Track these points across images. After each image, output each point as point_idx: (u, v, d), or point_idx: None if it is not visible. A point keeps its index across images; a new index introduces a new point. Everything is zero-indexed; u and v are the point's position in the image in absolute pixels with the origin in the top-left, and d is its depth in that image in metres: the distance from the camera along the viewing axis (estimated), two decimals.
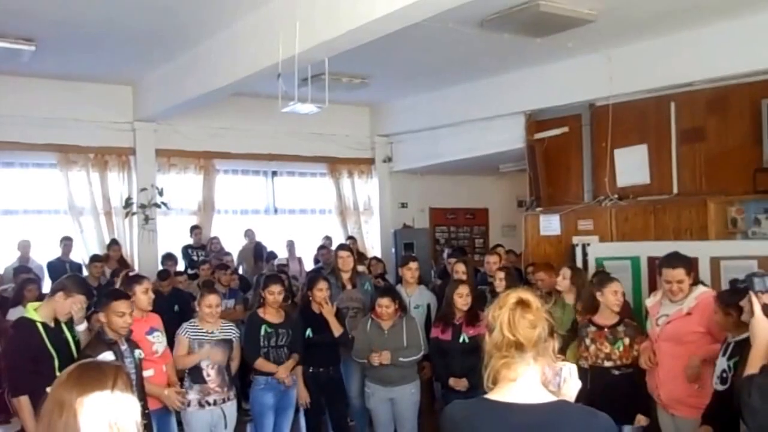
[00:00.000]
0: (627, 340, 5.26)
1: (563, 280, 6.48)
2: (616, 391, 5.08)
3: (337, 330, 6.43)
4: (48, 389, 4.14)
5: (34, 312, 4.75)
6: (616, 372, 5.22)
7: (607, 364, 5.25)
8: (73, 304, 4.81)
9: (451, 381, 6.10)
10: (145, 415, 4.55)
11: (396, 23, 6.16)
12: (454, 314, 6.26)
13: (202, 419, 5.62)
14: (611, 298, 5.36)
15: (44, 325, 4.69)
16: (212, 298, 5.84)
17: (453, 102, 11.60)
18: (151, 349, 5.40)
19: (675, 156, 9.05)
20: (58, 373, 4.29)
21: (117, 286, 6.84)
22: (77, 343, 4.96)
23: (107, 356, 4.78)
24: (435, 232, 14.53)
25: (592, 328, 5.37)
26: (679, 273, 4.88)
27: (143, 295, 5.53)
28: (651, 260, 7.34)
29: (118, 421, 1.99)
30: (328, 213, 13.71)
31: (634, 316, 5.98)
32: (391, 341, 6.22)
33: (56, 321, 4.82)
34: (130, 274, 7.15)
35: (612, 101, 9.28)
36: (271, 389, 6.07)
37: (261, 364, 6.06)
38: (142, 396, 5.01)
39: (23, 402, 4.46)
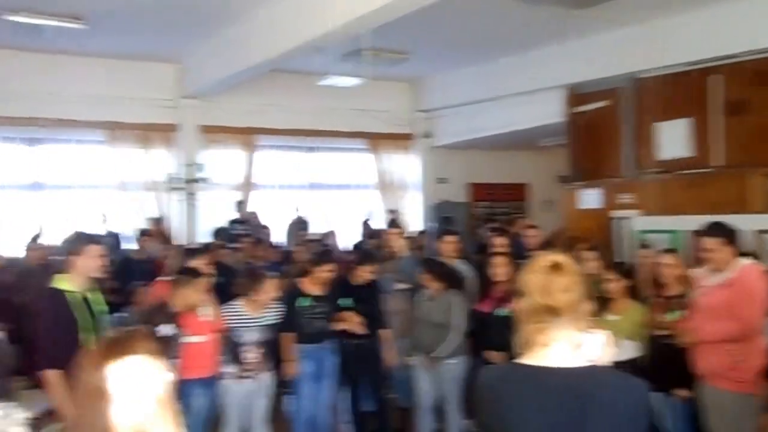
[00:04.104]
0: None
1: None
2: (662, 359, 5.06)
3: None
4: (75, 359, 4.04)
5: (62, 282, 4.44)
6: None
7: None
8: (87, 260, 4.43)
9: (488, 354, 5.97)
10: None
11: None
12: (491, 286, 6.21)
13: (238, 391, 5.66)
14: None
15: (71, 294, 4.37)
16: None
17: (493, 76, 11.56)
18: (201, 319, 5.47)
19: (718, 129, 8.91)
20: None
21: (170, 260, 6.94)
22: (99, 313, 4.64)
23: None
24: (475, 207, 14.52)
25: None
26: (709, 242, 4.70)
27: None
28: (692, 234, 7.27)
29: (149, 385, 2.00)
30: (367, 188, 13.79)
31: None
32: (433, 314, 6.18)
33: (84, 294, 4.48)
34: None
35: (654, 74, 9.17)
36: (310, 358, 6.11)
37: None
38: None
39: (54, 375, 4.15)
